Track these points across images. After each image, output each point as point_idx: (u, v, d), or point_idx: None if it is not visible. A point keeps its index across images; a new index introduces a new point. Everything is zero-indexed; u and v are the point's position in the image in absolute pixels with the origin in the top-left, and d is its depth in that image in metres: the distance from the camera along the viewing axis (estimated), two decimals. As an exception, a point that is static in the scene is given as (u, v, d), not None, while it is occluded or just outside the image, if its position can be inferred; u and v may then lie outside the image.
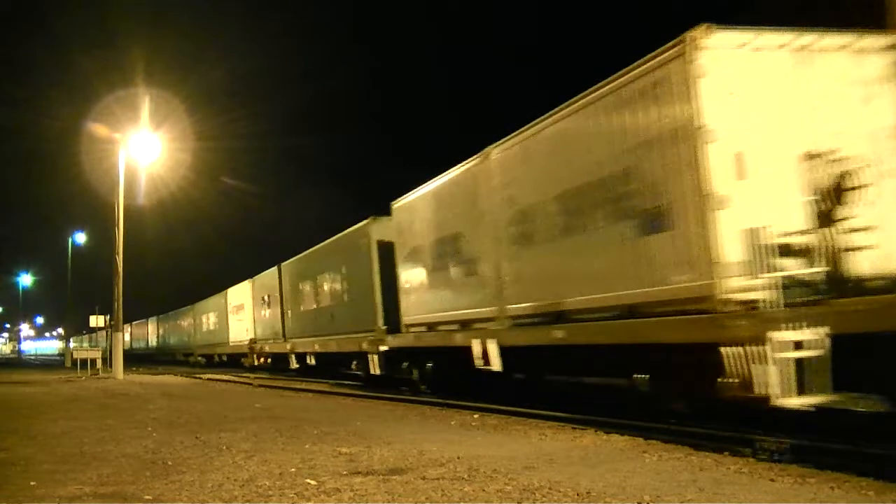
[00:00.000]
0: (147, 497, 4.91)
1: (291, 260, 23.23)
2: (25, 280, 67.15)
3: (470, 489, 4.83)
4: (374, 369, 15.62)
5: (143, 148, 23.73)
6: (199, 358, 38.56)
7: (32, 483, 5.49)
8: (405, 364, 14.60)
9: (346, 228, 19.03)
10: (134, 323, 59.36)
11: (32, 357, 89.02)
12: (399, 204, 14.49)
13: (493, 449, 6.53)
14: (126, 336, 60.19)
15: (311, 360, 21.46)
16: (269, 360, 26.44)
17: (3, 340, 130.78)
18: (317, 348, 20.53)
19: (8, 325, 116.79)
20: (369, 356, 15.78)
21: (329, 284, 19.50)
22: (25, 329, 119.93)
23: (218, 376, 23.66)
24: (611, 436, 7.18)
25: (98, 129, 24.00)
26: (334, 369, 20.09)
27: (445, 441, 7.06)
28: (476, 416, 9.46)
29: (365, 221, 16.39)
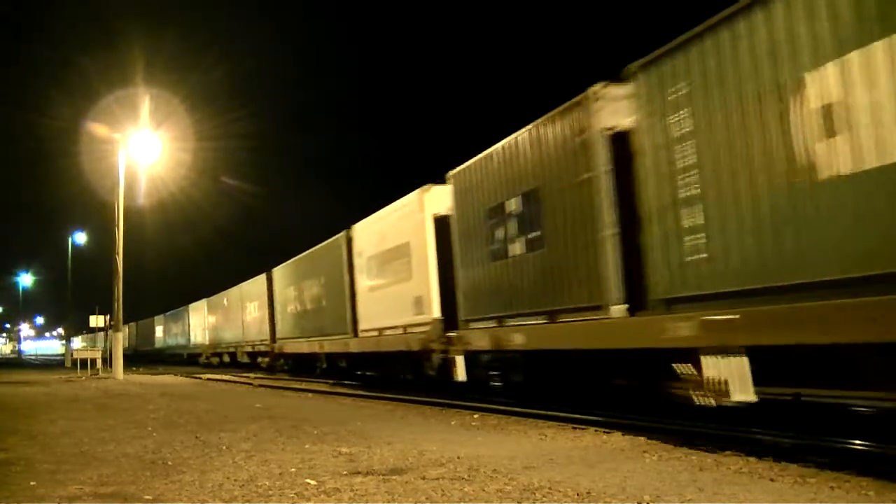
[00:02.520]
0: (147, 497, 4.91)
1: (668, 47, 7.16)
2: (25, 280, 67.13)
3: (470, 489, 4.82)
4: None
5: (143, 148, 23.74)
6: (283, 363, 24.57)
7: (32, 483, 5.49)
8: None
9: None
10: (167, 314, 47.94)
11: (33, 357, 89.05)
12: None
13: (494, 449, 6.53)
14: (158, 331, 49.86)
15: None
16: (519, 374, 10.28)
17: (3, 340, 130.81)
18: None
19: (8, 325, 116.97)
20: None
21: None
22: (25, 329, 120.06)
23: (218, 376, 23.64)
24: (611, 436, 7.18)
25: (98, 129, 24.03)
26: None
27: (445, 441, 7.06)
28: (476, 416, 9.45)
29: None
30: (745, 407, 6.70)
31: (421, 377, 13.67)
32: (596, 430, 7.54)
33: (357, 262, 16.92)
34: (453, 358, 12.02)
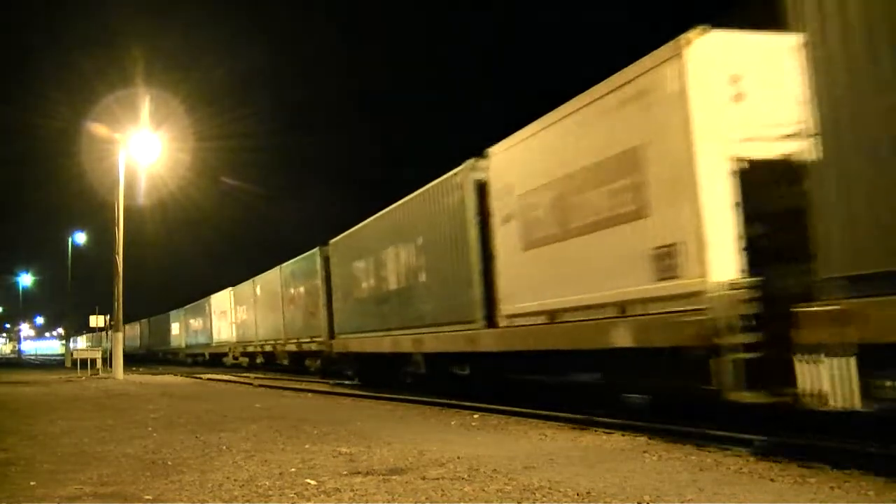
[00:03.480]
0: (147, 497, 4.91)
1: None
2: (25, 280, 67.24)
3: (470, 489, 4.83)
4: None
5: (143, 148, 23.77)
6: (346, 366, 18.44)
7: (32, 483, 5.49)
8: None
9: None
10: (185, 308, 41.03)
11: (33, 357, 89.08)
12: None
13: (493, 449, 6.53)
14: (174, 328, 43.82)
15: None
16: None
17: (3, 340, 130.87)
18: None
19: (8, 325, 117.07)
20: None
21: None
22: (25, 329, 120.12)
23: (218, 376, 23.63)
24: (611, 436, 7.18)
25: (98, 129, 24.07)
26: None
27: (445, 441, 7.06)
28: (476, 416, 9.45)
29: None
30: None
31: (671, 399, 8.16)
32: (596, 430, 7.53)
33: (498, 205, 10.39)
34: (815, 368, 5.67)
